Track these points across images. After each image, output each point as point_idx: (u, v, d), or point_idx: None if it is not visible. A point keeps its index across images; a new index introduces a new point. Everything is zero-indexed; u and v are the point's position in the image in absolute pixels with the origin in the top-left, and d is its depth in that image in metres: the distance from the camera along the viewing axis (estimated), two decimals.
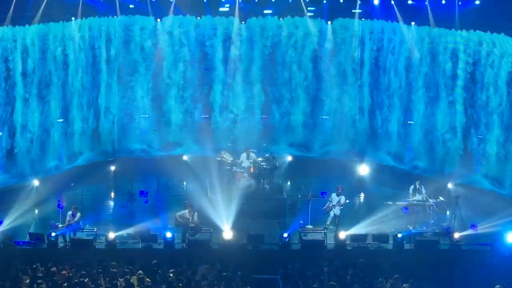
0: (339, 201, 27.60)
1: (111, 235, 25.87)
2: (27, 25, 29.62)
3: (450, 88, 31.30)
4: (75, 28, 31.32)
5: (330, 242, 26.52)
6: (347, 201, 27.76)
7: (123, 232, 26.43)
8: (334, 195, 27.79)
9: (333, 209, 27.56)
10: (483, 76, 30.25)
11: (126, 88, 33.72)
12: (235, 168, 30.11)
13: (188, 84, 34.02)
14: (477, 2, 30.37)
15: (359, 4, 33.03)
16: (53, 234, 25.65)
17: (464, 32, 30.57)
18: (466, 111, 30.93)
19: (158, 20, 33.02)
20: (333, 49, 33.94)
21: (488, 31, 29.83)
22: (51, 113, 31.13)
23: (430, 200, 27.62)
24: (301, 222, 27.84)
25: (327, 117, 34.45)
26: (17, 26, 29.36)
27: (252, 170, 29.84)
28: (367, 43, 33.68)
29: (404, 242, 26.42)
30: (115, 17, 32.73)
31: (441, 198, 27.97)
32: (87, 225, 26.81)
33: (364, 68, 33.95)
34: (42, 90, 30.66)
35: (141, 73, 33.68)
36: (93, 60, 32.44)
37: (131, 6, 32.70)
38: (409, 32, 32.19)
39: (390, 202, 28.42)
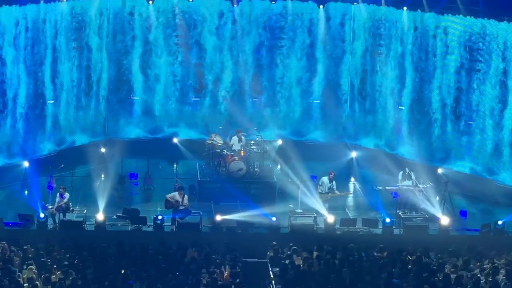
0: (331, 187, 27.71)
1: (101, 216, 25.91)
2: (17, 5, 29.49)
3: (440, 74, 31.30)
4: (65, 8, 31.19)
5: (320, 226, 26.63)
6: (339, 193, 28.04)
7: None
8: (325, 178, 27.88)
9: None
10: (473, 62, 30.25)
11: (118, 69, 33.62)
12: (225, 151, 30.10)
13: (180, 66, 33.94)
14: None
15: None
16: (42, 215, 25.69)
17: (455, 17, 30.57)
18: (457, 96, 30.95)
19: (150, 2, 32.89)
20: (324, 33, 33.87)
21: (480, 17, 29.87)
22: (43, 94, 31.03)
23: (419, 185, 27.68)
24: (291, 206, 27.93)
25: (318, 101, 34.43)
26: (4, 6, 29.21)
27: (242, 154, 29.83)
28: (359, 27, 33.62)
29: (394, 227, 26.54)
30: None
31: (431, 184, 28.03)
32: (77, 207, 26.87)
33: (356, 53, 33.90)
34: (33, 70, 30.54)
35: (132, 55, 33.54)
36: (83, 42, 32.27)
37: None
38: (401, 16, 32.17)
39: (379, 187, 28.49)
